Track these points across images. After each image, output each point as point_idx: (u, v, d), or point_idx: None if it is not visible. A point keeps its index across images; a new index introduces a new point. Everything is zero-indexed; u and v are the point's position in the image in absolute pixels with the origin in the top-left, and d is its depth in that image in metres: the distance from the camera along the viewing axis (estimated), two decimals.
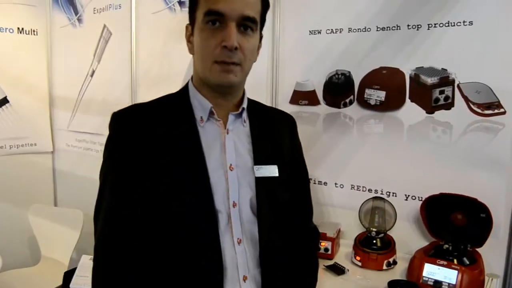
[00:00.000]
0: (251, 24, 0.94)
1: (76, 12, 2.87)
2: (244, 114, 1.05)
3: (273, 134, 1.09)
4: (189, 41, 1.02)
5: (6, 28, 2.86)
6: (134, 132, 0.98)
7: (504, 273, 1.48)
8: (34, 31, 3.00)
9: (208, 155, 0.98)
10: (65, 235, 2.68)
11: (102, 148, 3.04)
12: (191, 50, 1.01)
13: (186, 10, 2.21)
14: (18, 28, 2.92)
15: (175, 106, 1.03)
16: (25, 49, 2.96)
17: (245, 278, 0.99)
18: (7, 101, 2.90)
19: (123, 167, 0.97)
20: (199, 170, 0.96)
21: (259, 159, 1.03)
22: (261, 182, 1.01)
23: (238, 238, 0.99)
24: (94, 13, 2.74)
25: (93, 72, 2.77)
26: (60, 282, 2.47)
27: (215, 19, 0.92)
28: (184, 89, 1.05)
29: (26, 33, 2.96)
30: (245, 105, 1.04)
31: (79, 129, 2.94)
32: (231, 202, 0.98)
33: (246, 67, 0.98)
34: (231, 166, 0.99)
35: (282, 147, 1.10)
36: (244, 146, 1.03)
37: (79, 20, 2.86)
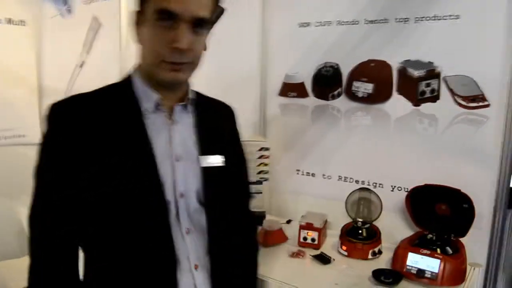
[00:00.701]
0: (203, 24, 0.92)
1: (65, 2, 2.85)
2: (189, 106, 1.04)
3: (217, 124, 1.10)
4: (137, 27, 0.96)
5: None
6: (75, 125, 0.93)
7: (486, 262, 1.51)
8: (22, 21, 2.97)
9: (155, 147, 0.97)
10: None
11: None
12: (138, 40, 0.96)
13: None
14: (6, 19, 2.90)
15: (118, 96, 1.00)
16: (13, 40, 2.94)
17: (196, 267, 1.01)
18: None
19: (65, 165, 0.93)
20: (148, 162, 0.95)
21: (204, 149, 1.03)
22: (206, 172, 1.02)
23: (186, 228, 0.99)
24: (84, 3, 2.72)
25: (83, 63, 2.75)
26: None
27: (166, 17, 0.89)
28: (127, 79, 1.02)
29: (14, 23, 2.94)
30: (190, 96, 1.04)
31: None
32: (178, 193, 0.98)
33: (196, 63, 0.97)
34: (177, 157, 0.99)
35: (225, 137, 1.12)
36: (190, 137, 1.03)
37: (68, 10, 2.83)
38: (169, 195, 0.96)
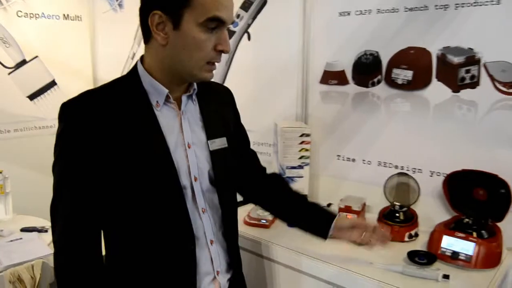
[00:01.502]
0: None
1: None
2: (194, 94, 1.12)
3: (219, 107, 1.19)
4: (159, 30, 0.97)
5: (53, 15, 3.03)
6: (89, 122, 0.97)
7: None
8: (78, 17, 3.17)
9: (167, 137, 1.04)
10: None
11: None
12: (163, 40, 0.98)
13: None
14: (64, 15, 3.10)
15: (127, 91, 1.04)
16: (70, 35, 3.15)
17: (212, 242, 1.12)
18: (55, 84, 3.09)
19: (82, 160, 0.98)
20: (163, 151, 1.03)
21: (211, 134, 1.13)
22: (215, 155, 1.12)
23: (202, 208, 1.10)
24: None
25: (134, 55, 2.92)
26: None
27: (216, 25, 0.97)
28: (133, 74, 1.06)
29: (71, 19, 3.14)
30: (195, 86, 1.11)
31: None
32: (192, 177, 1.07)
33: None
34: (189, 144, 1.08)
35: (227, 119, 1.21)
36: (197, 124, 1.12)
37: (120, 5, 3.00)
38: (184, 180, 1.06)
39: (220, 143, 1.14)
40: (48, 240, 2.20)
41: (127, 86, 1.05)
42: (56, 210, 1.03)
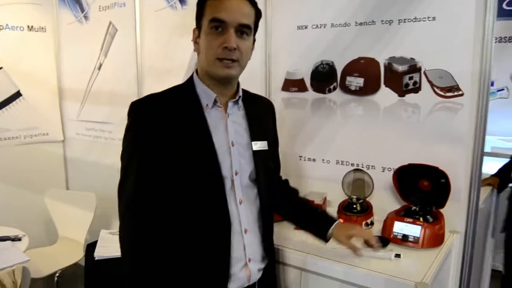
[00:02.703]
0: (246, 30, 1.18)
1: (82, 10, 3.08)
2: (240, 101, 1.30)
3: (262, 116, 1.38)
4: (196, 42, 1.23)
5: (17, 26, 3.06)
6: (152, 118, 1.19)
7: (464, 230, 1.73)
8: (42, 28, 3.21)
9: (214, 135, 1.22)
10: (80, 216, 2.92)
11: (110, 135, 3.38)
12: (197, 50, 1.23)
13: (186, 7, 2.45)
14: (28, 26, 3.13)
15: (183, 95, 1.24)
16: (35, 46, 3.18)
17: (246, 231, 1.27)
18: (20, 95, 3.12)
19: (145, 148, 1.18)
20: (209, 147, 1.21)
21: (255, 136, 1.30)
22: (257, 155, 1.30)
23: (239, 199, 1.26)
24: (100, 10, 2.95)
25: (101, 65, 2.99)
26: (77, 259, 2.74)
27: (218, 25, 1.15)
28: (189, 81, 1.27)
29: (35, 30, 3.17)
30: (240, 93, 1.30)
31: (88, 118, 3.16)
32: (234, 171, 1.24)
33: (242, 63, 1.22)
34: (233, 143, 1.26)
35: (268, 127, 1.40)
36: (241, 126, 1.30)
37: (85, 17, 3.07)
38: (226, 172, 1.22)
39: (261, 145, 1.32)
40: (23, 247, 2.24)
41: (184, 90, 1.25)
42: (123, 189, 1.22)
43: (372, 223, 1.78)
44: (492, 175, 2.49)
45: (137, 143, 1.20)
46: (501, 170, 2.53)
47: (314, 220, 1.48)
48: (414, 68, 1.79)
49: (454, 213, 1.72)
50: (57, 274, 2.59)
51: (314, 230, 1.48)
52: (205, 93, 1.24)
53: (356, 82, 1.95)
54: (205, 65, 1.20)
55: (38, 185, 3.18)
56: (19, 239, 2.32)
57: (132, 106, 1.22)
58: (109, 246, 2.09)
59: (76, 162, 3.38)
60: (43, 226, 3.20)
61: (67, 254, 2.76)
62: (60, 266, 2.63)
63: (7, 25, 3.00)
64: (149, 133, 1.18)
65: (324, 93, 2.05)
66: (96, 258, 2.04)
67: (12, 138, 3.11)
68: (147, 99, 1.24)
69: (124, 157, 1.23)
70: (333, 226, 1.42)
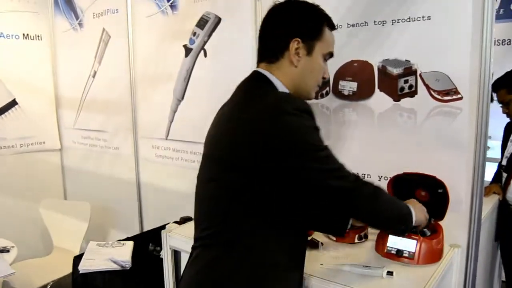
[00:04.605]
0: None
1: (77, 17, 3.05)
2: None
3: None
4: (297, 54, 1.22)
5: (12, 35, 3.05)
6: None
7: (466, 243, 1.63)
8: (38, 36, 3.20)
9: None
10: (75, 226, 2.88)
11: (106, 144, 3.26)
12: (296, 63, 1.23)
13: (177, 13, 2.38)
14: (24, 34, 3.12)
15: None
16: (31, 54, 3.17)
17: None
18: (16, 103, 3.10)
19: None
20: None
21: None
22: None
23: None
24: (94, 17, 2.92)
25: (95, 73, 2.96)
26: (69, 271, 2.67)
27: (329, 58, 1.29)
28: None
29: (31, 38, 3.16)
30: None
31: (84, 127, 3.13)
32: None
33: None
34: None
35: None
36: None
37: (80, 24, 3.04)
38: None
39: None
40: (10, 259, 2.20)
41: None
42: (339, 169, 1.27)
43: (366, 237, 1.68)
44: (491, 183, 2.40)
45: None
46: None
47: None
48: (409, 70, 1.69)
49: (455, 225, 1.61)
50: (48, 286, 2.53)
51: None
52: None
53: (349, 86, 1.85)
54: (304, 84, 1.26)
55: (35, 195, 3.16)
56: (8, 251, 2.27)
57: (303, 103, 1.17)
58: (96, 259, 2.01)
59: (73, 171, 3.35)
60: (39, 237, 3.17)
61: (60, 266, 2.70)
62: (51, 278, 2.58)
63: (2, 33, 2.99)
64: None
65: (316, 98, 1.96)
66: (80, 272, 1.97)
67: (8, 147, 3.09)
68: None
69: (325, 153, 1.25)
70: None
